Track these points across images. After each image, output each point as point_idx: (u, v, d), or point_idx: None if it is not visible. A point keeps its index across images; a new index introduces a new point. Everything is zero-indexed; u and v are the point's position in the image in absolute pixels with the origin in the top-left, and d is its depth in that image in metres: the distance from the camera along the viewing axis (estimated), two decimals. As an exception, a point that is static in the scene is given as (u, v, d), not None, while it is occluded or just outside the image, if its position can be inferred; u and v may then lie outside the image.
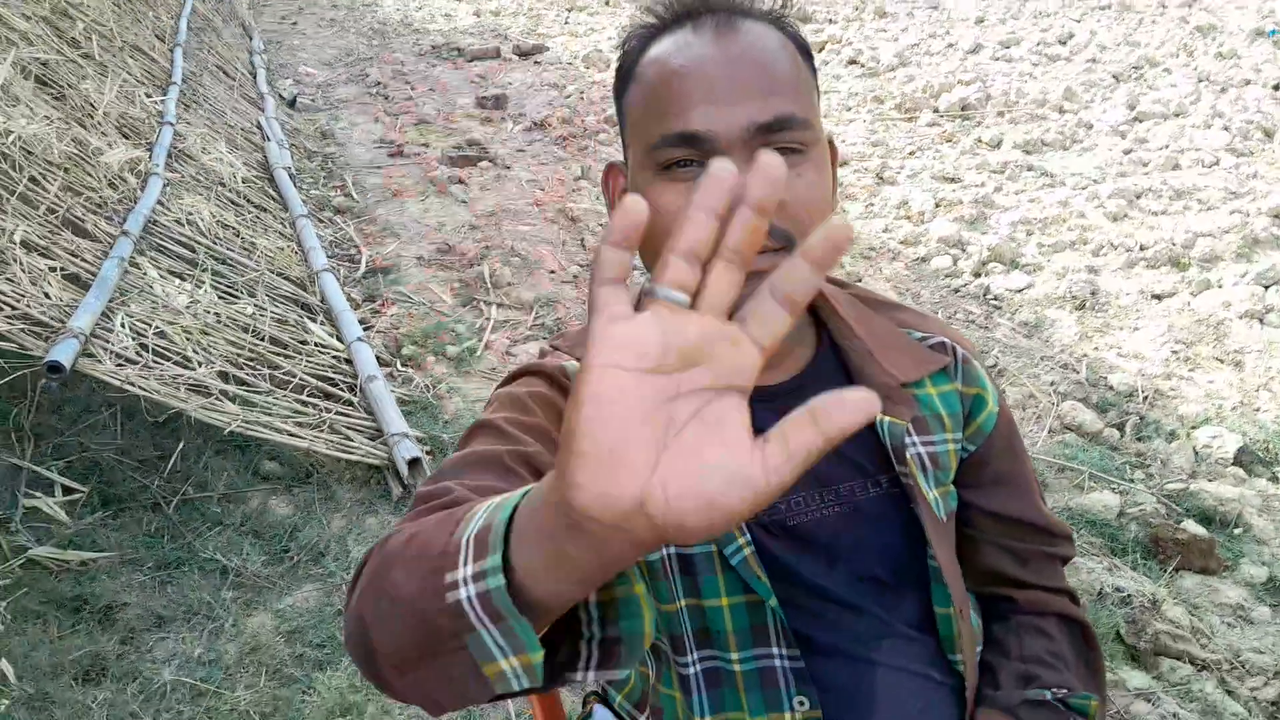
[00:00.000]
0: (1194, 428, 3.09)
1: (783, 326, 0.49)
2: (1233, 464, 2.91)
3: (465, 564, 0.58)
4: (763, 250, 0.84)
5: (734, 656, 0.94)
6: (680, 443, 0.47)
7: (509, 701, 2.16)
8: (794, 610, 0.95)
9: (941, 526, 0.98)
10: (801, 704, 0.93)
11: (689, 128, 0.85)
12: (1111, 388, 3.34)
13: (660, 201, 0.87)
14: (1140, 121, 6.09)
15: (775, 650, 0.94)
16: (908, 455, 0.95)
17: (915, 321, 1.05)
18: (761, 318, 0.49)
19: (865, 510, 0.96)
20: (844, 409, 0.46)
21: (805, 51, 0.94)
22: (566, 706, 1.24)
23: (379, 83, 7.65)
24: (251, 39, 8.55)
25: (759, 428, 0.98)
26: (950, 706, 0.98)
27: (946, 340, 1.03)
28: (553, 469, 0.50)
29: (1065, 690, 0.97)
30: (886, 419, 0.96)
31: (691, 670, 0.96)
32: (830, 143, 0.97)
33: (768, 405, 0.96)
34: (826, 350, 1.01)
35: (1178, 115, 6.14)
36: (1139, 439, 3.07)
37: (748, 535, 0.93)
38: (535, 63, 8.44)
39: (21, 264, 2.68)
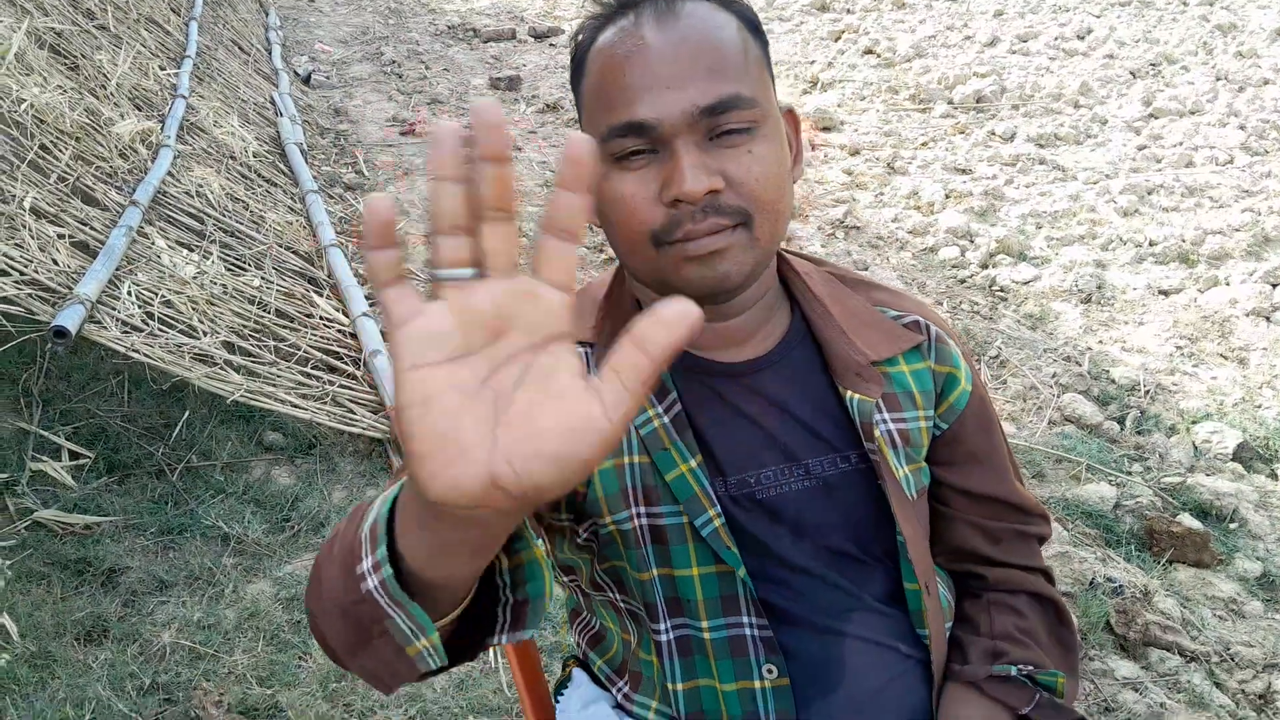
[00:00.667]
0: (1194, 422, 3.09)
1: (572, 258, 0.49)
2: (1232, 459, 2.91)
3: (366, 556, 0.62)
4: (719, 230, 0.86)
5: (704, 625, 0.96)
6: (514, 410, 0.47)
7: (500, 669, 2.19)
8: (764, 581, 0.96)
9: (909, 503, 0.98)
10: (770, 672, 0.95)
11: (634, 118, 0.86)
12: (1114, 381, 3.34)
13: (616, 191, 0.88)
14: (1155, 118, 6.06)
15: (745, 619, 0.95)
16: (876, 432, 0.96)
17: (890, 300, 1.06)
18: (549, 259, 0.49)
19: (834, 485, 0.97)
20: (664, 327, 0.46)
21: (753, 26, 0.93)
22: (547, 673, 1.26)
23: (393, 61, 7.66)
24: (268, 14, 8.56)
25: (736, 404, 0.99)
26: (918, 680, 0.99)
27: (920, 319, 1.04)
28: None
29: (1033, 666, 0.98)
30: (856, 396, 0.97)
31: (664, 638, 0.97)
32: (791, 113, 0.98)
33: (739, 381, 0.98)
34: (798, 327, 1.02)
35: (1194, 113, 6.11)
36: (1139, 432, 3.07)
37: (718, 507, 0.94)
38: (550, 45, 8.43)
39: (31, 230, 2.70)
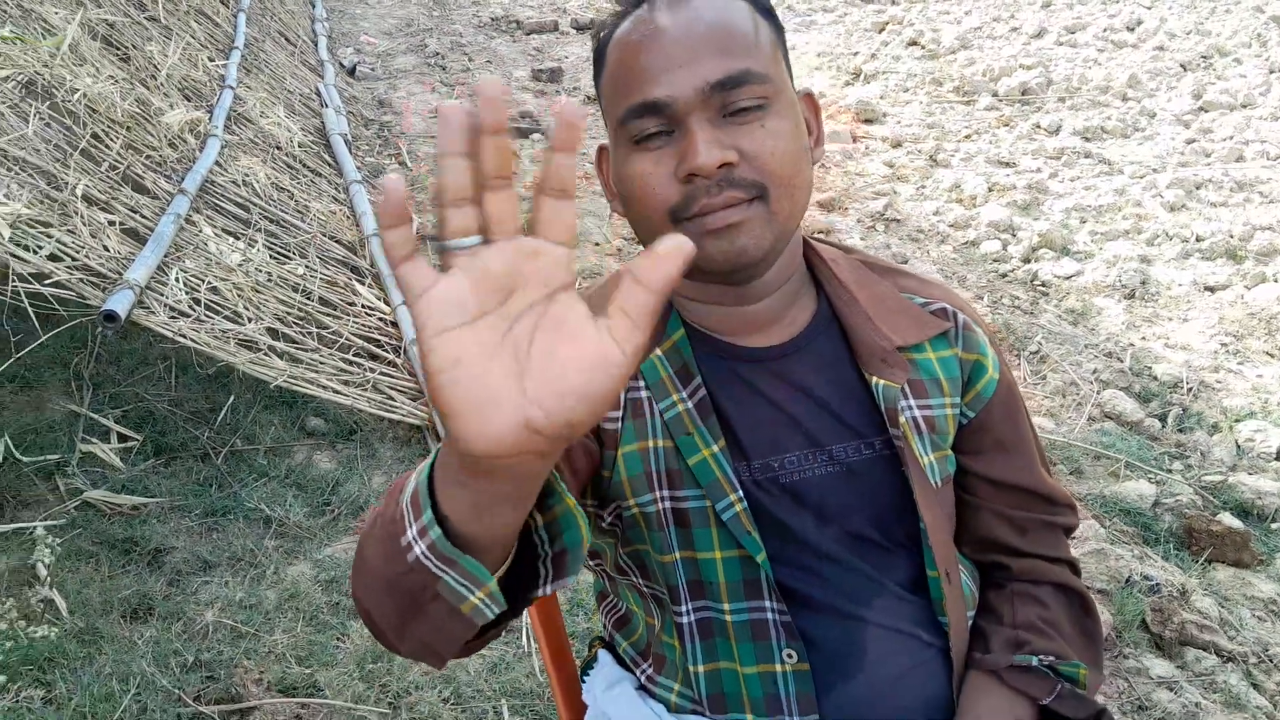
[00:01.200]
0: (1238, 420, 3.04)
1: (570, 215, 0.52)
2: (1275, 459, 2.87)
3: (410, 526, 0.64)
4: (736, 203, 0.87)
5: (726, 608, 0.97)
6: (534, 358, 0.51)
7: (533, 654, 2.22)
8: (786, 566, 0.98)
9: (931, 490, 0.99)
10: (790, 657, 0.96)
11: (648, 97, 0.88)
12: (1155, 378, 3.30)
13: (635, 171, 0.90)
14: (1205, 111, 5.95)
15: (767, 604, 0.96)
16: (901, 418, 0.97)
17: (917, 287, 1.07)
18: (548, 219, 0.52)
19: (857, 471, 0.98)
20: (660, 261, 0.50)
21: (765, 10, 0.95)
22: (576, 657, 1.29)
23: (437, 53, 7.72)
24: (314, 6, 8.66)
25: (760, 389, 0.99)
26: (938, 667, 1.00)
27: (948, 306, 1.05)
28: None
29: (1054, 657, 0.99)
30: (881, 382, 0.97)
31: (685, 620, 0.99)
32: (809, 96, 0.99)
33: (764, 366, 1.00)
34: (824, 313, 1.03)
35: (1245, 106, 5.98)
36: (1180, 430, 3.03)
37: (739, 492, 0.95)
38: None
39: (83, 217, 2.78)
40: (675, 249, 0.50)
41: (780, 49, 0.95)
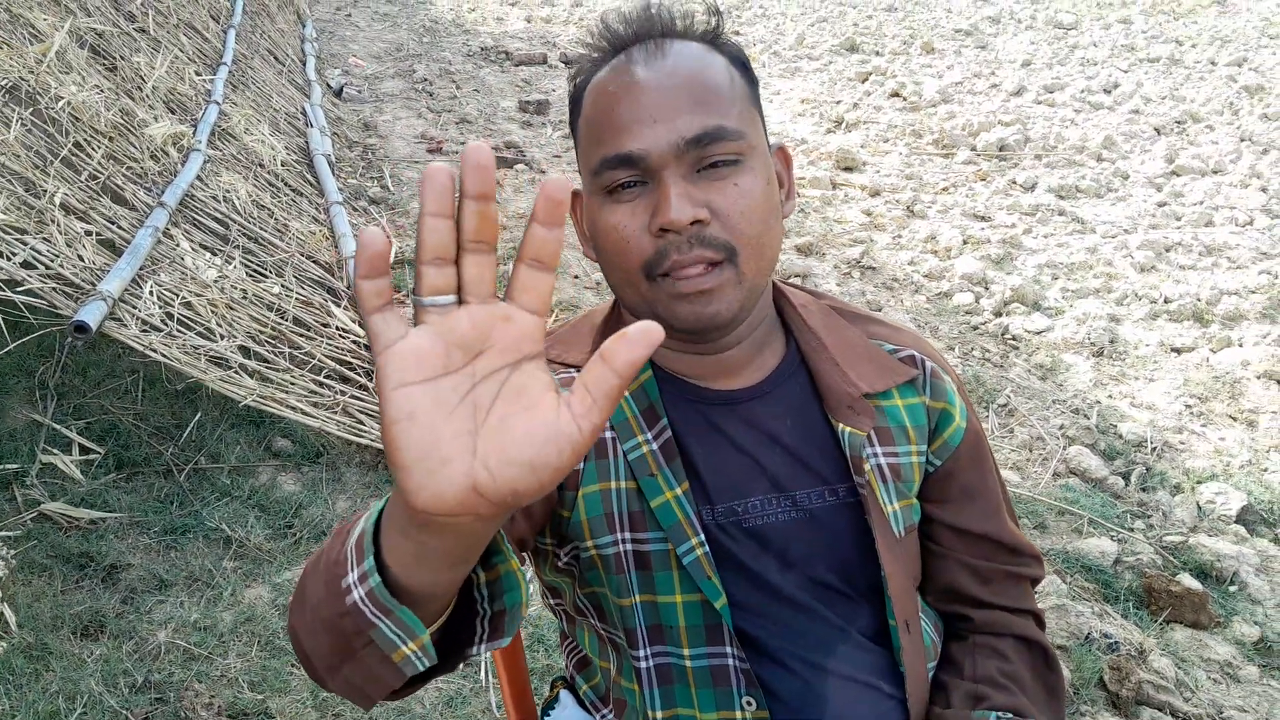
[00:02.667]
0: (1199, 482, 3.08)
1: (546, 286, 0.53)
2: (1235, 522, 2.90)
3: (352, 570, 0.65)
4: (704, 263, 0.88)
5: (686, 653, 0.97)
6: (490, 423, 0.52)
7: (490, 689, 2.20)
8: (747, 612, 0.97)
9: (894, 539, 0.99)
10: (749, 704, 0.96)
11: (622, 149, 0.90)
12: (1120, 436, 3.34)
13: (610, 223, 0.92)
14: (1177, 175, 6.08)
15: (728, 650, 0.96)
16: (866, 466, 0.98)
17: (887, 334, 1.08)
18: (524, 286, 0.53)
19: (820, 518, 0.98)
20: (629, 345, 0.50)
21: (741, 64, 0.97)
22: (536, 695, 1.28)
23: (425, 79, 7.75)
24: (304, 26, 8.69)
25: (726, 432, 1.00)
26: (898, 719, 1.00)
27: (916, 353, 1.06)
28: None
29: (1013, 714, 0.98)
30: (847, 429, 0.98)
31: (644, 665, 0.99)
32: (782, 150, 1.01)
33: (731, 410, 1.00)
34: (792, 358, 1.04)
35: (1216, 172, 6.12)
36: (1143, 489, 3.06)
37: (701, 536, 0.95)
38: (580, 71, 8.51)
39: (59, 225, 2.75)
40: (643, 334, 0.50)
41: (754, 104, 0.97)
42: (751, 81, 0.98)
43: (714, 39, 0.97)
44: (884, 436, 1.01)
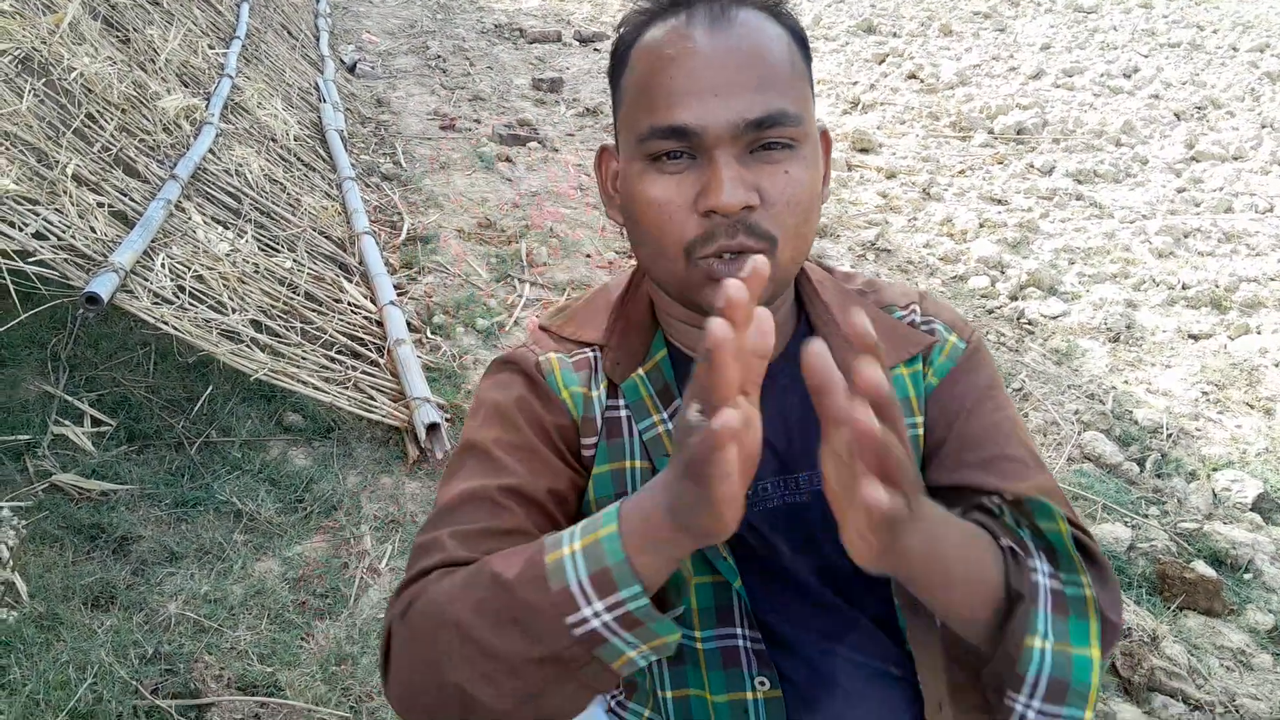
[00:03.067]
0: (1215, 469, 3.05)
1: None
2: (1250, 509, 2.87)
3: (589, 603, 0.74)
4: (744, 250, 0.86)
5: (697, 635, 0.96)
6: None
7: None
8: (758, 594, 0.96)
9: None
10: (762, 684, 0.95)
11: (678, 121, 0.85)
12: (1136, 422, 3.31)
13: (650, 193, 0.88)
14: (1197, 161, 6.01)
15: (739, 631, 0.95)
16: None
17: (894, 297, 1.06)
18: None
19: (826, 499, 0.96)
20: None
21: (801, 41, 0.93)
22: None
23: (439, 56, 7.72)
24: (318, 2, 8.65)
25: None
26: (907, 702, 0.98)
27: (933, 320, 1.03)
28: (661, 504, 0.73)
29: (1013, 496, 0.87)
30: None
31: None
32: (825, 135, 0.97)
33: None
34: (802, 335, 1.01)
35: (1236, 158, 6.05)
36: (1158, 476, 3.04)
37: None
38: (595, 49, 8.47)
39: (71, 197, 2.75)
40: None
41: (810, 85, 0.93)
42: (808, 59, 0.94)
43: (776, 8, 0.91)
44: None
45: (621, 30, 0.94)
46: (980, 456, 0.94)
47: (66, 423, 2.75)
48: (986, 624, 0.80)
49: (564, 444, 0.97)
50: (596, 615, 0.74)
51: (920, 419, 0.99)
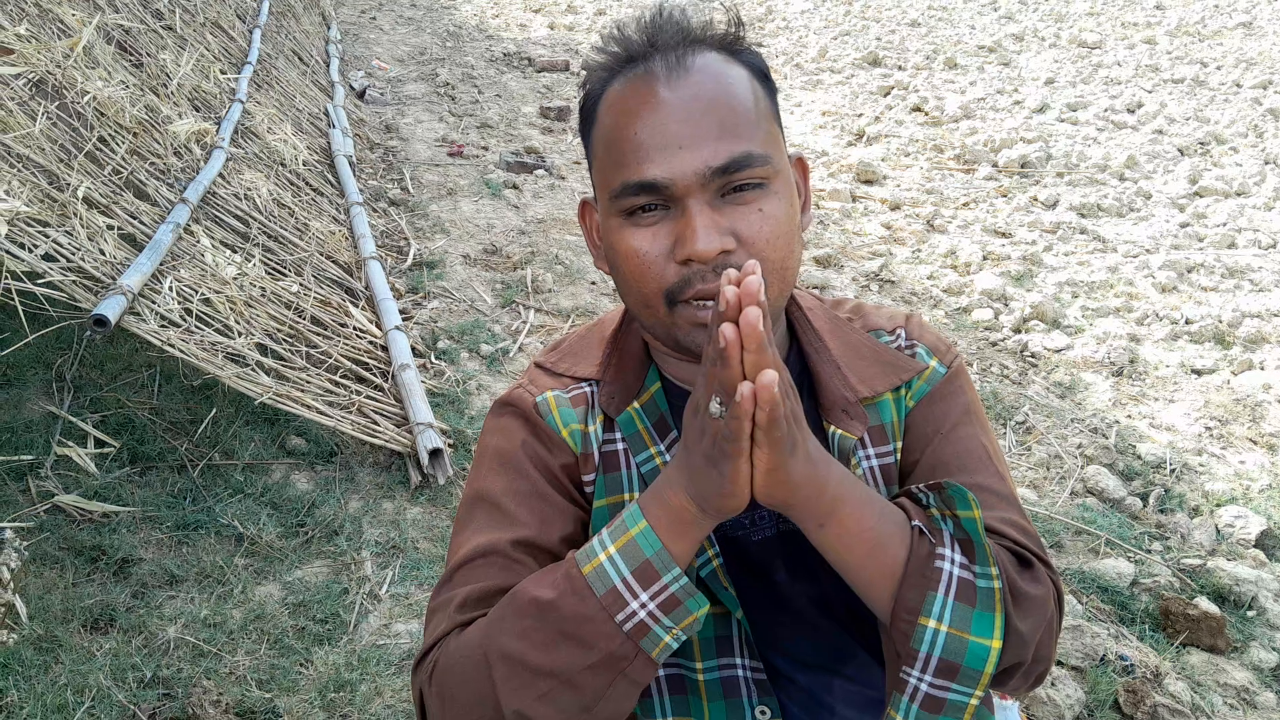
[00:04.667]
0: (1219, 505, 3.04)
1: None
2: (1254, 546, 2.86)
3: (636, 597, 0.81)
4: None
5: (698, 666, 0.96)
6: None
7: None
8: (758, 624, 0.97)
9: None
10: (763, 713, 0.95)
11: (646, 177, 0.87)
12: (1139, 457, 3.31)
13: (630, 248, 0.90)
14: (1201, 197, 6.03)
15: (738, 660, 0.95)
16: (858, 470, 0.97)
17: (882, 322, 1.07)
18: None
19: None
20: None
21: (763, 76, 0.94)
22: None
23: (448, 84, 7.78)
24: (329, 28, 8.74)
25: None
26: None
27: (917, 345, 1.05)
28: (677, 490, 0.82)
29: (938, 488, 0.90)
30: (838, 431, 0.97)
31: (658, 673, 0.98)
32: (800, 161, 0.99)
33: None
34: (794, 362, 1.03)
35: (1239, 194, 6.07)
36: (1161, 511, 3.03)
37: (716, 548, 0.95)
38: (602, 79, 8.53)
39: (82, 219, 2.77)
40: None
41: (776, 119, 0.94)
42: (771, 93, 0.95)
43: (732, 46, 0.94)
44: (876, 436, 1.00)
45: (586, 86, 0.97)
46: (957, 481, 0.95)
47: (70, 443, 2.75)
48: (891, 596, 0.85)
49: (570, 482, 0.99)
50: (643, 606, 0.81)
51: (899, 443, 1.01)
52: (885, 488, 0.99)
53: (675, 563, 0.82)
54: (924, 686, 0.83)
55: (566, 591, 0.83)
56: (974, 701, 0.84)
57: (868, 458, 0.98)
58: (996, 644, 0.83)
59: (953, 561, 0.84)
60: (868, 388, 1.00)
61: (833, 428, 0.97)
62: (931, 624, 0.83)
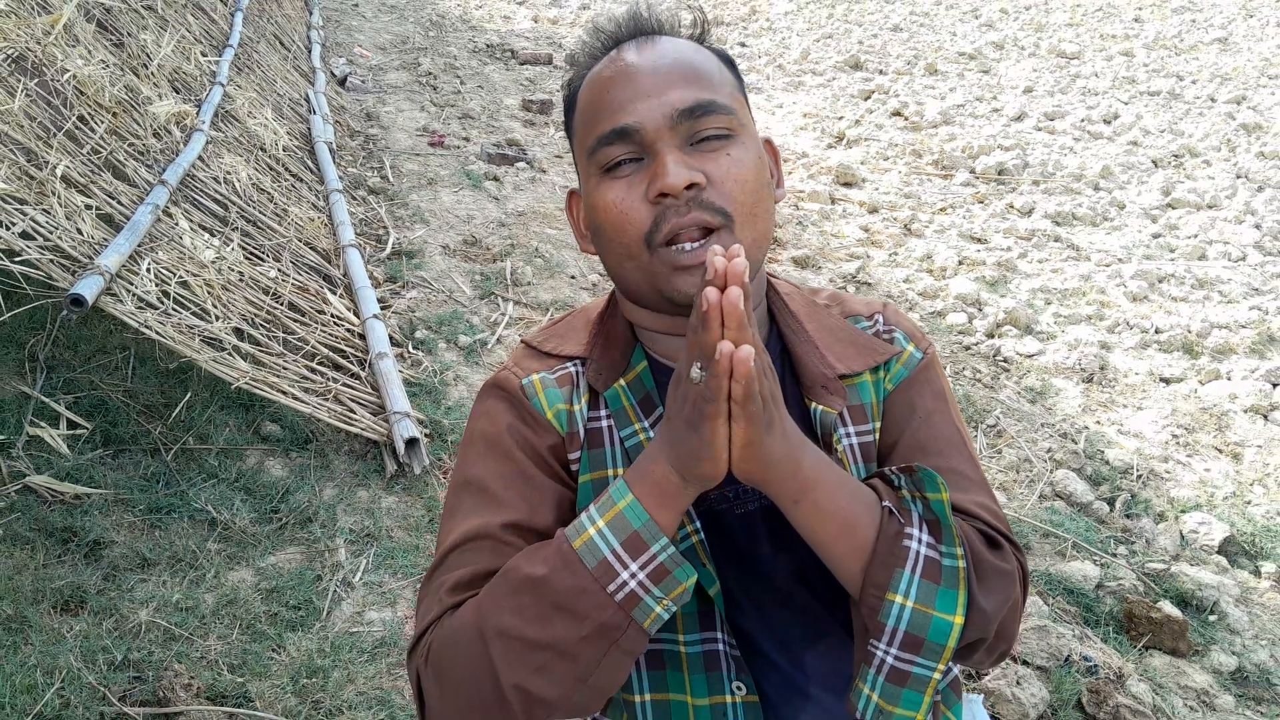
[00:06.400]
0: (1183, 511, 3.10)
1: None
2: (1217, 552, 2.92)
3: (626, 567, 0.85)
4: (703, 225, 0.91)
5: (681, 639, 0.98)
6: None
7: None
8: (738, 598, 0.99)
9: None
10: (739, 689, 0.97)
11: (618, 124, 0.93)
12: (1107, 462, 3.36)
13: (605, 199, 0.95)
14: (1173, 208, 6.12)
15: (719, 635, 0.97)
16: (839, 446, 0.99)
17: (858, 307, 1.11)
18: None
19: None
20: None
21: (729, 62, 1.02)
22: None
23: (430, 73, 7.75)
24: (311, 13, 8.68)
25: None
26: None
27: (895, 329, 1.08)
28: (663, 462, 0.85)
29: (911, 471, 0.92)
30: (819, 407, 1.00)
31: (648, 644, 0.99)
32: (769, 143, 1.04)
33: None
34: (774, 343, 1.06)
35: (1211, 207, 6.16)
36: (1127, 516, 3.08)
37: (697, 523, 0.97)
38: (585, 73, 8.53)
39: (60, 198, 2.74)
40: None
41: (742, 93, 1.01)
42: (738, 77, 1.02)
43: (700, 38, 1.02)
44: (856, 415, 1.03)
45: (571, 84, 1.03)
46: (932, 464, 1.00)
47: (42, 424, 2.73)
48: (860, 572, 0.89)
49: (557, 462, 1.01)
50: (633, 576, 0.84)
51: (878, 424, 1.04)
52: (864, 465, 1.02)
53: (662, 533, 0.85)
54: (890, 659, 0.87)
55: (558, 566, 0.86)
56: (936, 675, 0.87)
57: (848, 435, 1.01)
58: (959, 620, 0.86)
59: (920, 541, 0.88)
60: (845, 366, 1.03)
61: (814, 404, 1.00)
62: (898, 599, 0.86)
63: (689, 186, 0.91)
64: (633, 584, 0.84)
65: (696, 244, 0.91)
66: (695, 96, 0.92)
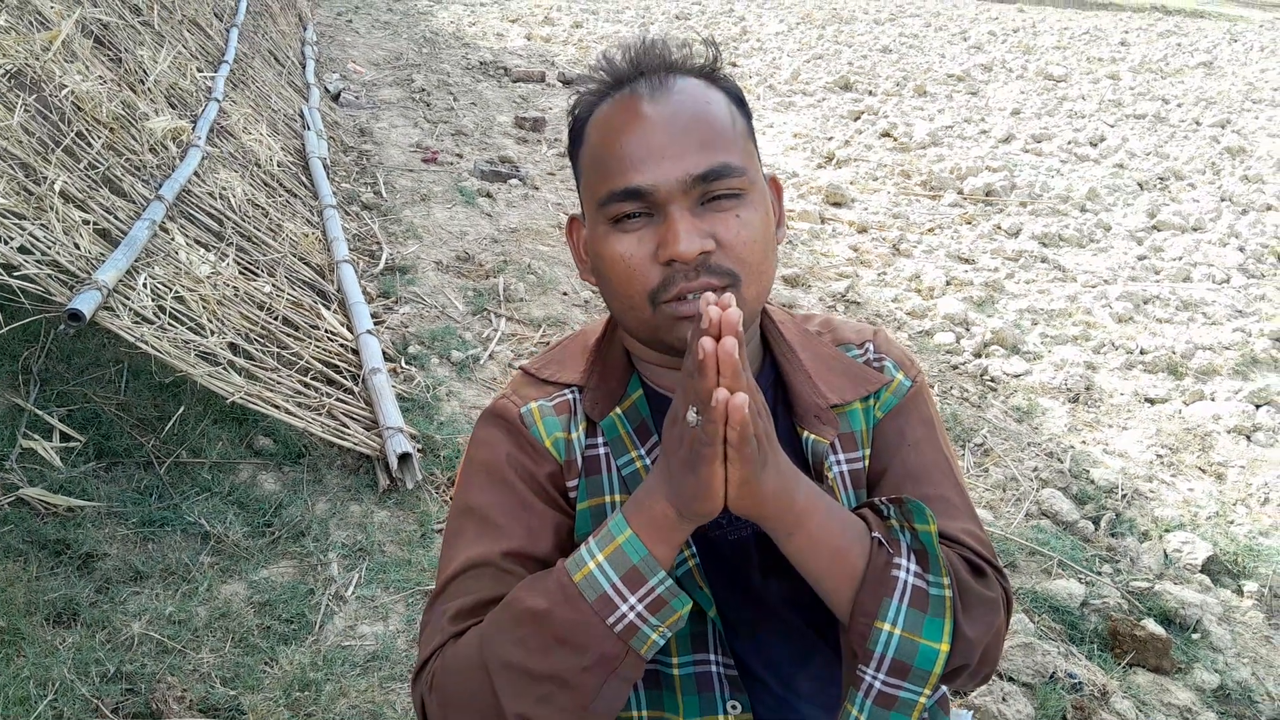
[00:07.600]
0: (1167, 530, 3.14)
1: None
2: (1200, 571, 2.96)
3: (625, 600, 0.87)
4: (710, 288, 0.93)
5: (674, 661, 1.00)
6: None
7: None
8: (732, 621, 1.01)
9: None
10: (734, 708, 0.99)
11: (632, 184, 0.94)
12: (1093, 482, 3.40)
13: (616, 253, 0.96)
14: (1158, 230, 6.20)
15: (712, 657, 1.00)
16: (830, 474, 1.02)
17: (849, 336, 1.14)
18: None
19: None
20: None
21: (739, 101, 1.02)
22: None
23: (423, 89, 7.80)
24: (306, 29, 8.72)
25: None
26: None
27: (885, 358, 1.11)
28: (656, 500, 0.88)
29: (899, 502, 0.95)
30: (811, 436, 1.03)
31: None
32: (774, 180, 1.06)
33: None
34: (768, 373, 1.09)
35: (1196, 229, 6.24)
36: (1112, 534, 3.12)
37: (693, 548, 0.99)
38: (578, 91, 8.59)
39: (58, 213, 2.76)
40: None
41: (751, 139, 1.02)
42: (748, 116, 1.03)
43: (711, 74, 1.01)
44: (846, 443, 1.05)
45: (576, 111, 1.04)
46: (920, 492, 1.03)
47: (35, 437, 2.74)
48: (850, 600, 0.92)
49: (556, 490, 1.03)
50: (631, 608, 0.87)
51: (868, 451, 1.07)
52: (855, 492, 1.05)
53: (660, 566, 0.87)
54: (878, 684, 0.90)
55: (560, 600, 0.88)
56: (923, 700, 0.90)
57: (838, 463, 1.04)
58: (945, 647, 0.90)
59: (908, 570, 0.91)
60: (837, 396, 1.06)
61: (806, 433, 1.03)
62: (886, 627, 0.89)
63: (700, 254, 0.93)
64: (631, 615, 0.87)
65: (699, 296, 0.93)
66: (709, 161, 0.93)
